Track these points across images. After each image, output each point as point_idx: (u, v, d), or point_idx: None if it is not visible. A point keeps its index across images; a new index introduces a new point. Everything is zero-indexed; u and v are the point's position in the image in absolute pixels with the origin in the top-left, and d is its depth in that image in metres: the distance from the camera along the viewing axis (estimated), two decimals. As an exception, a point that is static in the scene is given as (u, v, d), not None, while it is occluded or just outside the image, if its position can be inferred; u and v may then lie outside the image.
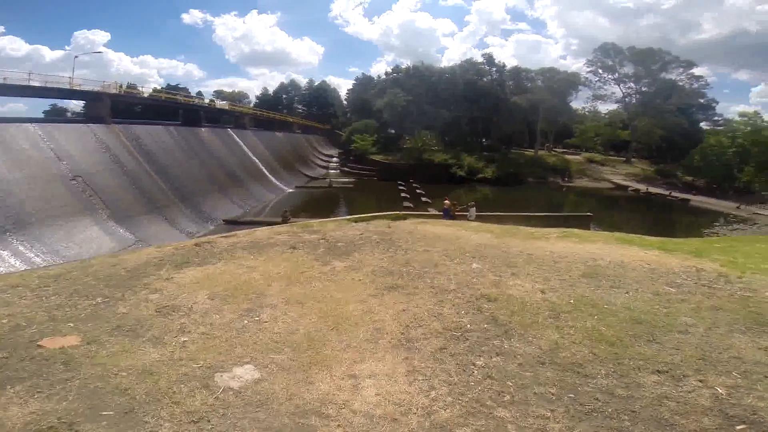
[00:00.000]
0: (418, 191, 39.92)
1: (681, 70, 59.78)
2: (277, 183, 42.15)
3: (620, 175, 56.44)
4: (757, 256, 7.02)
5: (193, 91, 68.42)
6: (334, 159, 65.34)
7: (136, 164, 25.65)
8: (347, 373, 3.20)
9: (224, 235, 7.90)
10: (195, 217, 26.05)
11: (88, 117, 28.93)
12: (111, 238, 19.27)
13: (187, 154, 32.19)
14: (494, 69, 62.02)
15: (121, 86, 35.60)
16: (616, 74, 62.30)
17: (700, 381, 3.08)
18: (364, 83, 74.71)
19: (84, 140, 23.49)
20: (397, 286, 5.03)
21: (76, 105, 54.01)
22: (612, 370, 3.23)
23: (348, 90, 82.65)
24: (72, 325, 3.86)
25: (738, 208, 37.87)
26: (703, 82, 61.27)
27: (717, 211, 37.92)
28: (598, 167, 59.37)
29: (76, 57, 54.28)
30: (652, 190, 48.65)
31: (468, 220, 15.13)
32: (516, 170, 52.57)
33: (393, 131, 62.72)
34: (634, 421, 2.66)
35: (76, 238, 18.16)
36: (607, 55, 61.50)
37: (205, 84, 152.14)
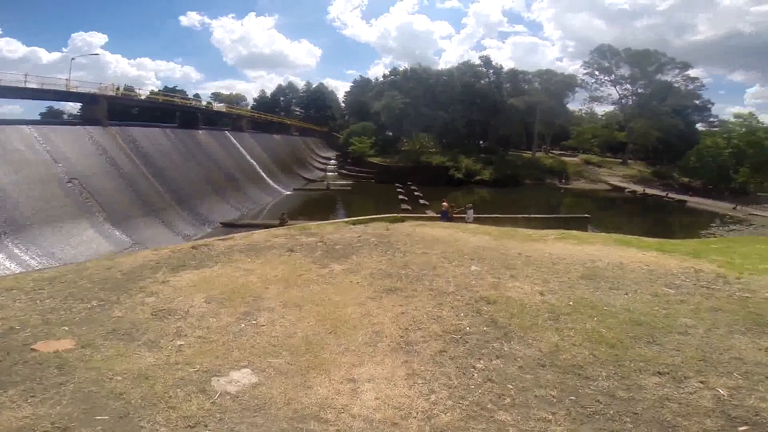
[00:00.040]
0: (416, 193, 39.97)
1: (677, 71, 60.38)
2: (275, 185, 42.09)
3: (617, 176, 56.74)
4: (754, 256, 7.03)
5: (191, 94, 67.99)
6: (332, 161, 65.34)
7: (132, 167, 25.56)
8: (346, 376, 3.17)
9: (221, 237, 7.85)
10: (192, 220, 25.95)
11: (84, 119, 28.87)
12: (107, 241, 19.16)
13: (184, 157, 32.11)
14: (491, 71, 62.37)
15: (118, 88, 35.45)
16: (613, 76, 62.83)
17: (702, 382, 3.06)
18: (361, 86, 74.92)
19: (80, 142, 23.40)
20: (396, 288, 5.00)
21: (72, 107, 53.93)
22: (613, 371, 3.21)
23: (346, 92, 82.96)
24: (66, 328, 3.81)
25: (734, 208, 38.10)
26: (698, 84, 62.02)
27: (713, 212, 38.13)
28: (595, 169, 59.69)
29: (73, 59, 54.03)
30: (649, 191, 48.89)
31: (466, 222, 15.13)
32: (513, 172, 52.80)
33: (391, 134, 62.90)
34: (636, 423, 2.64)
35: (72, 240, 18.04)
36: (604, 57, 61.97)
37: (202, 86, 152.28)
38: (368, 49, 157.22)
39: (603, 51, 62.07)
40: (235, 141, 42.90)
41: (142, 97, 41.13)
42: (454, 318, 4.19)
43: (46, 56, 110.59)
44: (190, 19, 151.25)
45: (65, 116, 56.32)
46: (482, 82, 60.75)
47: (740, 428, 2.57)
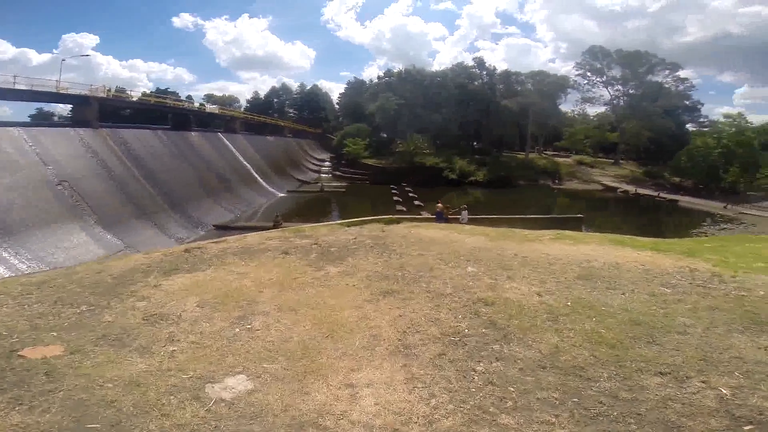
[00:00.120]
0: (410, 195, 39.99)
1: (667, 72, 61.07)
2: (269, 187, 41.83)
3: (609, 176, 57.22)
4: (748, 255, 7.07)
5: (183, 95, 67.71)
6: (326, 163, 65.14)
7: (124, 169, 25.25)
8: (344, 382, 3.10)
9: (214, 240, 7.76)
10: (185, 223, 25.68)
11: (75, 121, 28.45)
12: (98, 245, 18.88)
13: (176, 159, 31.81)
14: (485, 72, 62.68)
15: (109, 90, 34.97)
16: (604, 77, 63.39)
17: (704, 382, 3.04)
18: (356, 87, 74.89)
19: (70, 145, 23.07)
20: (393, 291, 4.94)
21: (63, 109, 53.17)
22: (614, 372, 3.18)
23: (340, 94, 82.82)
24: (55, 334, 3.71)
25: (725, 208, 38.59)
26: (688, 84, 62.77)
27: (705, 211, 38.57)
28: (588, 169, 60.16)
29: (63, 60, 53.53)
30: (641, 191, 49.37)
31: (460, 223, 15.12)
32: (507, 173, 53.00)
33: (385, 135, 62.95)
34: (640, 424, 2.60)
35: (63, 244, 17.75)
36: (595, 58, 62.51)
37: (195, 88, 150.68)
38: (362, 51, 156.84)
39: (595, 52, 62.63)
40: (228, 143, 42.60)
41: (134, 99, 40.64)
42: (452, 320, 4.15)
43: (36, 57, 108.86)
44: (183, 20, 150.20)
45: (56, 118, 55.52)
46: (476, 83, 61.00)
47: (745, 428, 2.55)
